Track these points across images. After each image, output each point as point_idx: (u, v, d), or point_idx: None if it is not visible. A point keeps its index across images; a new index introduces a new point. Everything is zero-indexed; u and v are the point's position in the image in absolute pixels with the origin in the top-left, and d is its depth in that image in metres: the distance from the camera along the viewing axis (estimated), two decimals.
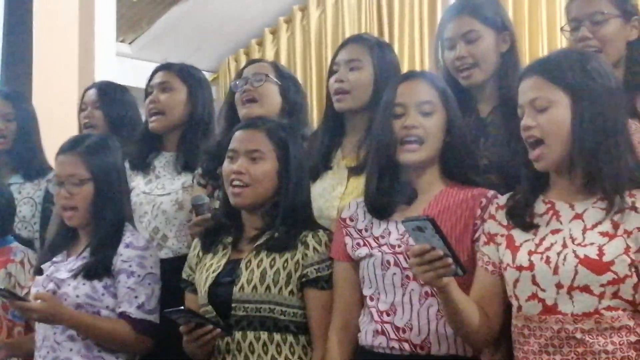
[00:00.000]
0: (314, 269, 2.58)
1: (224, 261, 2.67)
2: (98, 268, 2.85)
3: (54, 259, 2.94)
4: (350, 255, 2.52)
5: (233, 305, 2.58)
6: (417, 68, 5.86)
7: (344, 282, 2.54)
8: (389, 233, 2.46)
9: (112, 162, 2.98)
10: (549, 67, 2.18)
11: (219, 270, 2.65)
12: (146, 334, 2.81)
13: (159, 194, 3.30)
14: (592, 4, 2.75)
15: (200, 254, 2.76)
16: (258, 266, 2.60)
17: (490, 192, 2.45)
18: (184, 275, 2.81)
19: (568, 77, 2.14)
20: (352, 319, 2.52)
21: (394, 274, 2.41)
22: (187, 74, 3.43)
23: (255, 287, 2.57)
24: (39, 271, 2.96)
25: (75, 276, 2.85)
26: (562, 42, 4.57)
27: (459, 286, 2.21)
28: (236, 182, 2.64)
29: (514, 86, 2.68)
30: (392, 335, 2.39)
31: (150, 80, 3.45)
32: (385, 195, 2.48)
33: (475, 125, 2.79)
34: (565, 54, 2.26)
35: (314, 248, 2.59)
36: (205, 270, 2.69)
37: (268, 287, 2.57)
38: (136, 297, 2.83)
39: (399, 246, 2.42)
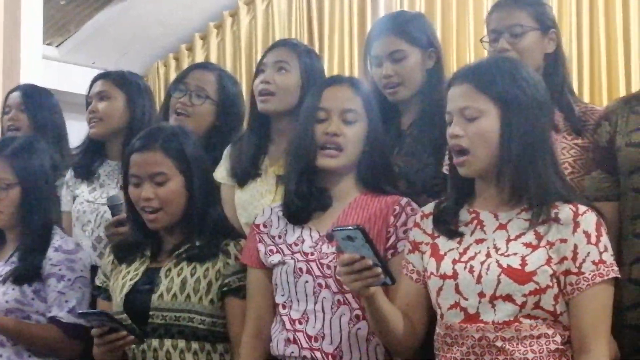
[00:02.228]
0: (237, 278, 2.56)
1: (142, 269, 2.63)
2: (27, 272, 2.83)
3: None
4: (263, 262, 2.51)
5: (151, 313, 2.55)
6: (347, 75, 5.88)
7: (257, 289, 2.53)
8: (303, 241, 2.46)
9: (38, 165, 2.95)
10: (480, 75, 2.18)
11: (137, 277, 2.61)
12: (77, 338, 2.78)
13: (103, 202, 3.25)
14: (511, 16, 2.79)
15: (116, 261, 2.72)
16: (178, 274, 2.57)
17: (404, 200, 2.46)
18: (97, 282, 2.76)
19: (499, 87, 2.14)
20: (264, 326, 2.50)
21: (306, 282, 2.40)
22: (124, 81, 3.42)
23: (175, 295, 2.55)
24: None
25: (4, 281, 2.82)
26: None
27: None
28: (148, 209, 2.60)
29: (437, 101, 2.75)
30: (304, 344, 2.38)
31: (89, 90, 3.43)
32: (302, 200, 2.47)
33: (393, 136, 2.83)
34: (497, 62, 2.26)
35: (236, 257, 2.57)
36: (121, 278, 2.65)
37: (188, 296, 2.54)
38: (66, 301, 2.81)
39: (312, 254, 2.42)
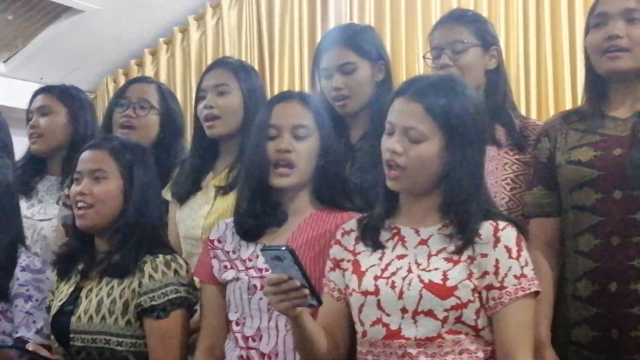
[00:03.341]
0: (148, 297, 2.50)
1: (71, 289, 2.61)
2: None
3: None
4: (217, 277, 2.49)
5: (71, 335, 2.52)
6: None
7: (211, 305, 2.51)
8: (257, 256, 2.43)
9: (3, 181, 2.91)
10: (433, 99, 2.15)
11: (65, 298, 2.59)
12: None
13: (40, 218, 3.24)
14: (453, 33, 2.82)
15: (58, 279, 2.68)
16: (97, 295, 2.54)
17: (360, 216, 2.44)
18: (47, 302, 2.73)
19: (450, 115, 2.13)
20: (218, 343, 2.48)
21: (260, 298, 2.38)
22: (67, 95, 3.40)
23: (91, 317, 2.52)
24: None
25: None
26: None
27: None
28: (80, 204, 2.57)
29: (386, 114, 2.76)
30: None
31: (30, 104, 3.40)
32: (256, 217, 2.46)
33: (344, 150, 2.83)
34: (450, 85, 2.22)
35: (149, 275, 2.51)
36: (56, 299, 2.63)
37: (104, 318, 2.51)
38: (34, 321, 2.76)
39: (267, 270, 2.37)
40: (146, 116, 3.20)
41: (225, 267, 2.47)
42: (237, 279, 2.43)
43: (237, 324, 2.42)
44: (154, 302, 2.49)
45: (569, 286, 2.47)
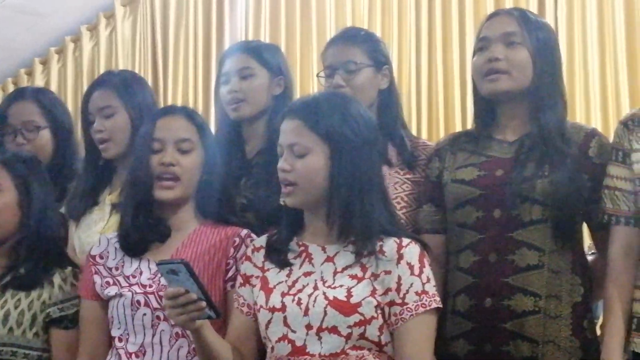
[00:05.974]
0: (58, 308, 2.51)
1: None
2: None
3: None
4: (99, 294, 2.46)
5: None
6: (191, 104, 5.86)
7: (91, 321, 2.48)
8: (141, 272, 2.42)
9: None
10: (311, 112, 2.21)
11: None
12: None
13: None
14: (345, 53, 2.84)
15: None
16: (2, 307, 2.51)
17: (244, 231, 2.46)
18: None
19: (328, 126, 2.18)
20: (98, 359, 2.45)
21: (144, 314, 2.37)
22: None
23: None
24: None
25: None
26: None
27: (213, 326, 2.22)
28: None
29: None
30: None
31: None
32: (139, 231, 2.44)
33: (240, 165, 2.84)
34: (328, 99, 2.28)
35: (59, 286, 2.52)
36: None
37: (11, 329, 2.49)
38: None
39: (150, 286, 2.39)
40: (37, 139, 3.14)
41: (108, 283, 2.45)
42: (120, 295, 2.41)
43: (120, 340, 2.40)
44: (63, 313, 2.51)
45: (449, 301, 2.52)
